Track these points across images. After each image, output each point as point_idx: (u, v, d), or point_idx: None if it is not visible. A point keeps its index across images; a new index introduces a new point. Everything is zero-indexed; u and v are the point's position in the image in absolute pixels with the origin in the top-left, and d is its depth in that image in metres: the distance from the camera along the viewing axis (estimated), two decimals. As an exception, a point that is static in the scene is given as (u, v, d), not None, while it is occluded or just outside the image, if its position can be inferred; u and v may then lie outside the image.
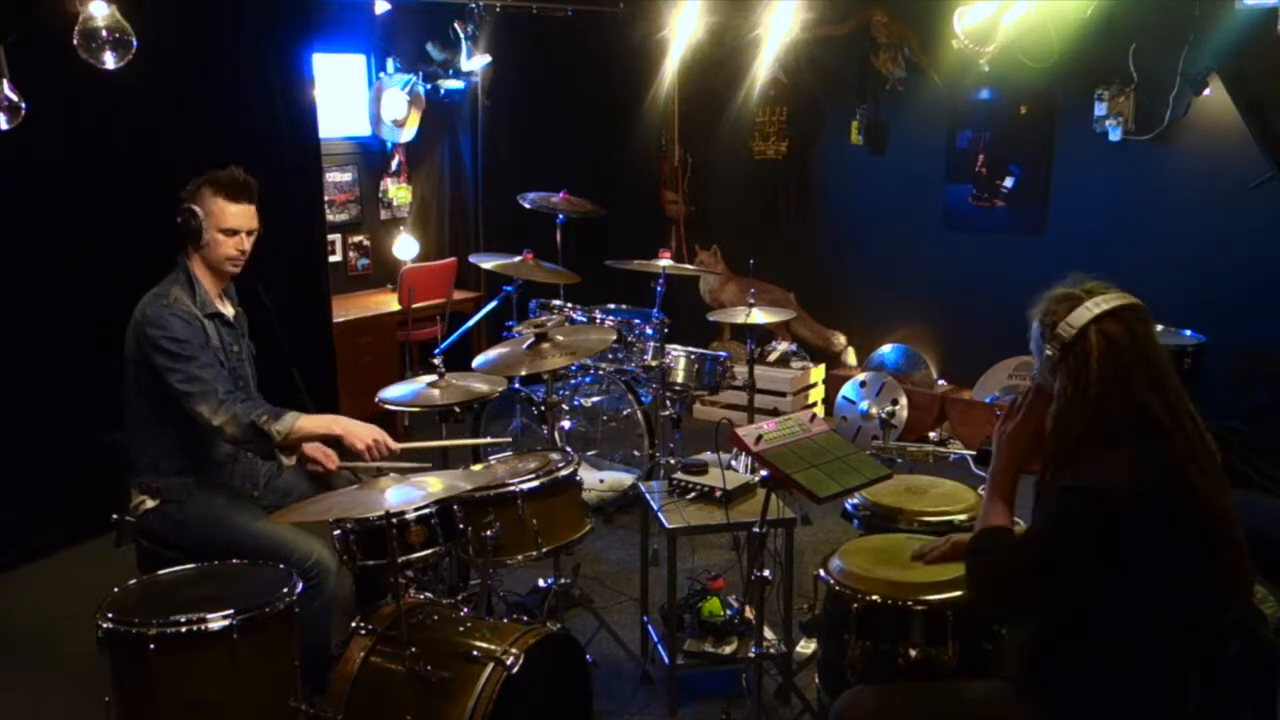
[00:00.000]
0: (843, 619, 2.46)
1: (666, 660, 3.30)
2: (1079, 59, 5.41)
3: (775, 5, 6.07)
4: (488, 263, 4.73)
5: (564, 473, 3.14)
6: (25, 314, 4.42)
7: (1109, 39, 5.28)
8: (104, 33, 3.29)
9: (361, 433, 2.98)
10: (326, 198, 5.93)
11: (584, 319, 4.77)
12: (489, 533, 2.96)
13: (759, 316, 4.62)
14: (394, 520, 2.65)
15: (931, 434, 5.85)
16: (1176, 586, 1.97)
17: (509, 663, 2.58)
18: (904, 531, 2.87)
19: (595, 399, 5.29)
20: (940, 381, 6.23)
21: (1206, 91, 5.11)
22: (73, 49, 3.30)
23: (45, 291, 4.45)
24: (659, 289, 4.64)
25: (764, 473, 2.69)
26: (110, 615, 2.44)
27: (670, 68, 6.68)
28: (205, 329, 3.03)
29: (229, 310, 3.18)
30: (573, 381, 5.15)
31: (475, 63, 6.18)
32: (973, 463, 5.33)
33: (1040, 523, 2.08)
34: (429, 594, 3.09)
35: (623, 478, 5.11)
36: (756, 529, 2.81)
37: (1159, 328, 4.09)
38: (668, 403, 4.66)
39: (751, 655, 3.15)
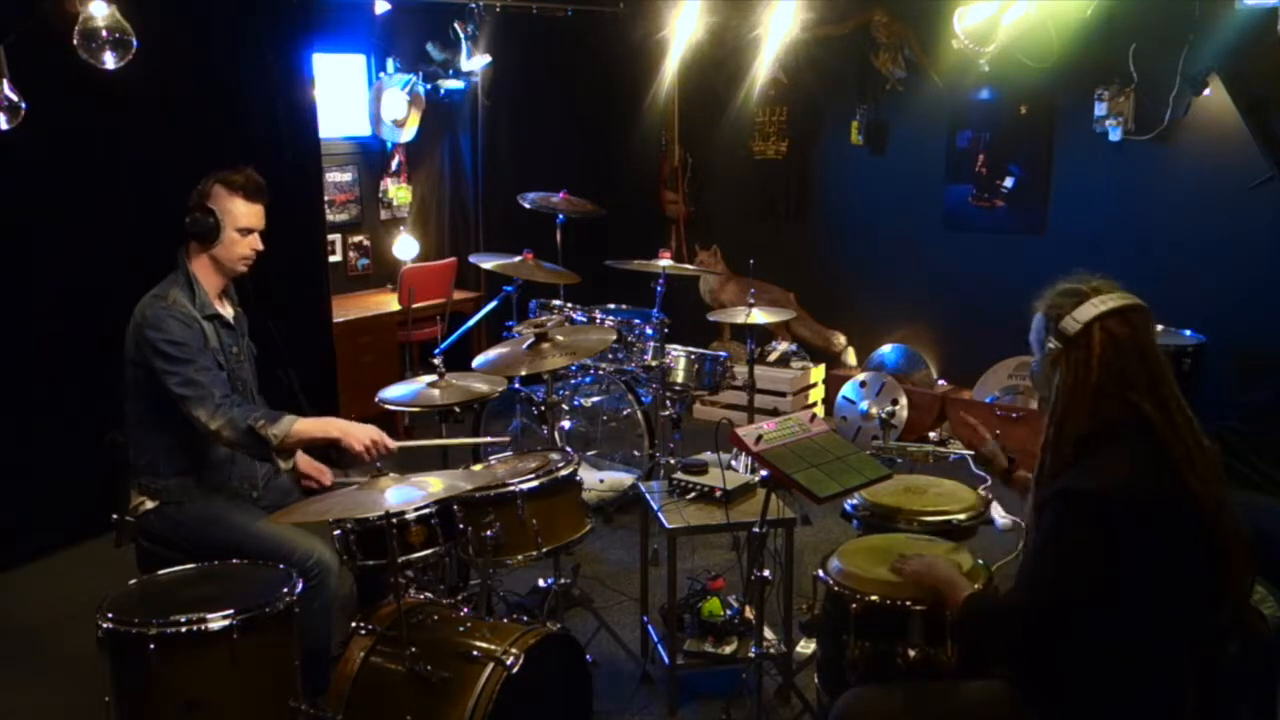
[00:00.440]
0: (842, 619, 2.45)
1: (666, 660, 3.30)
2: (1079, 59, 5.41)
3: (775, 5, 6.08)
4: (488, 263, 4.73)
5: (564, 473, 3.14)
6: (25, 314, 4.41)
7: (1109, 39, 5.28)
8: (104, 33, 3.29)
9: (359, 434, 2.97)
10: (326, 198, 5.93)
11: (584, 319, 4.77)
12: (489, 533, 2.96)
13: (759, 316, 4.62)
14: (394, 520, 2.65)
15: (931, 434, 5.85)
16: (1175, 587, 1.97)
17: (509, 663, 2.58)
18: (903, 531, 2.87)
19: (595, 399, 5.29)
20: (940, 381, 6.23)
21: (1206, 91, 5.11)
22: (73, 49, 3.30)
23: (45, 291, 4.45)
24: (659, 289, 4.64)
25: (764, 473, 2.69)
26: (110, 615, 2.43)
27: (670, 68, 6.68)
28: (204, 331, 3.02)
29: (228, 311, 3.17)
30: (573, 381, 5.15)
31: (475, 63, 6.18)
32: (972, 463, 5.30)
33: (1042, 531, 2.07)
34: (429, 594, 3.09)
35: (623, 478, 5.11)
36: (756, 529, 2.81)
37: (1159, 328, 4.10)
38: (668, 403, 4.66)
39: (751, 655, 3.15)
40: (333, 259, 6.18)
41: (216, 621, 2.41)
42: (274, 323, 3.43)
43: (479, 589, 3.27)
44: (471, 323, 5.29)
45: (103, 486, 3.19)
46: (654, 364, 4.59)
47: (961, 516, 2.98)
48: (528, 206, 5.08)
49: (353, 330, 5.86)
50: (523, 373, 3.51)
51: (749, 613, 3.32)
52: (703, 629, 3.34)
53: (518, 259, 4.67)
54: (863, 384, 6.07)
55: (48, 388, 4.49)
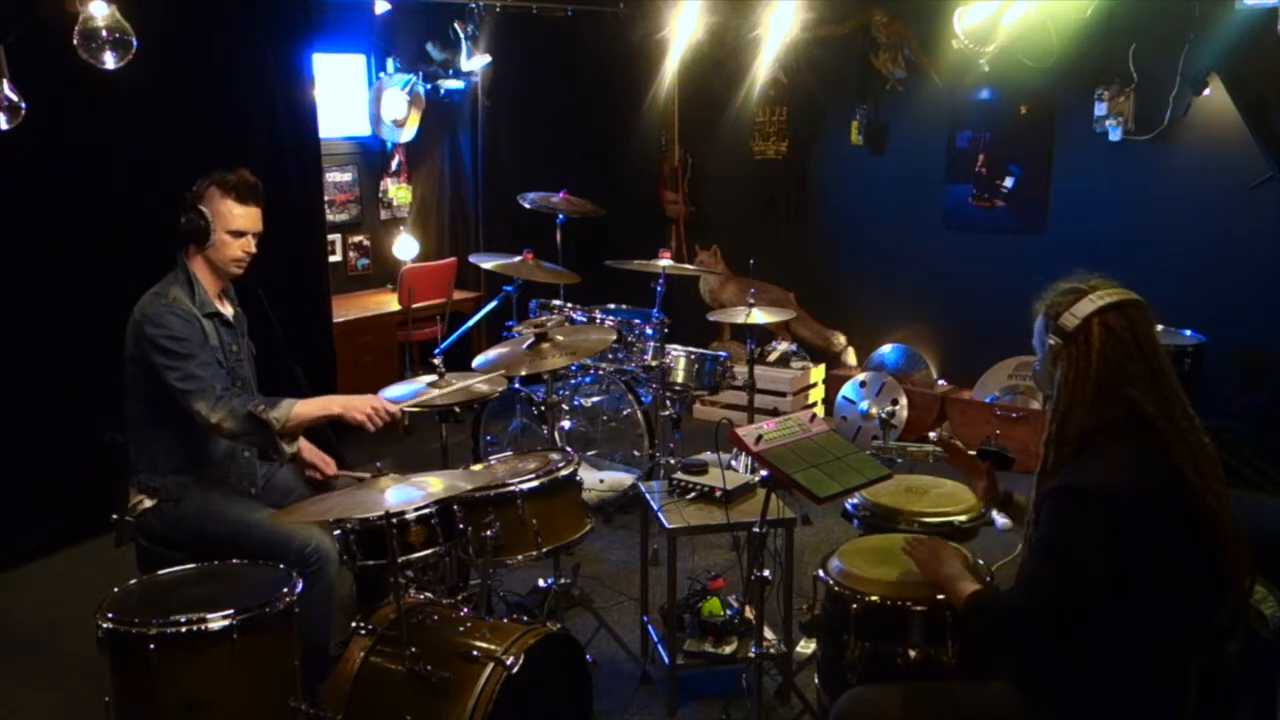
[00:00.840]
0: (842, 619, 2.45)
1: (666, 660, 3.30)
2: (1079, 59, 5.41)
3: (775, 5, 6.08)
4: (488, 263, 4.73)
5: (564, 473, 3.14)
6: (25, 314, 4.41)
7: (1109, 39, 5.28)
8: (104, 33, 3.29)
9: (359, 404, 3.00)
10: (326, 198, 5.93)
11: (584, 319, 4.77)
12: (489, 533, 2.96)
13: (759, 316, 4.62)
14: (394, 520, 2.65)
15: (931, 434, 5.85)
16: (1175, 584, 1.97)
17: (509, 663, 2.58)
18: (904, 532, 2.87)
19: (595, 399, 5.29)
20: (940, 381, 6.23)
21: (1206, 91, 5.11)
22: (73, 49, 3.30)
23: (45, 291, 4.45)
24: (659, 289, 4.64)
25: (764, 473, 2.69)
26: (110, 615, 2.43)
27: (670, 68, 6.68)
28: (204, 328, 3.03)
29: (228, 310, 3.18)
30: (573, 381, 5.15)
31: (475, 63, 6.18)
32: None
33: (1042, 527, 2.07)
34: (429, 594, 3.09)
35: (623, 478, 5.11)
36: (756, 529, 2.81)
37: (1159, 328, 4.09)
38: (668, 403, 4.66)
39: (751, 655, 3.15)
40: (333, 259, 6.18)
41: (216, 621, 2.41)
42: (276, 322, 3.43)
43: (479, 589, 3.27)
44: (471, 323, 5.30)
45: (103, 486, 3.20)
46: (654, 364, 4.59)
47: (962, 518, 2.98)
48: (528, 206, 5.08)
49: (353, 330, 5.86)
50: (523, 373, 3.50)
51: (749, 613, 3.32)
52: (703, 629, 3.34)
53: (518, 259, 4.67)
54: (863, 384, 6.07)
55: (48, 387, 4.49)
